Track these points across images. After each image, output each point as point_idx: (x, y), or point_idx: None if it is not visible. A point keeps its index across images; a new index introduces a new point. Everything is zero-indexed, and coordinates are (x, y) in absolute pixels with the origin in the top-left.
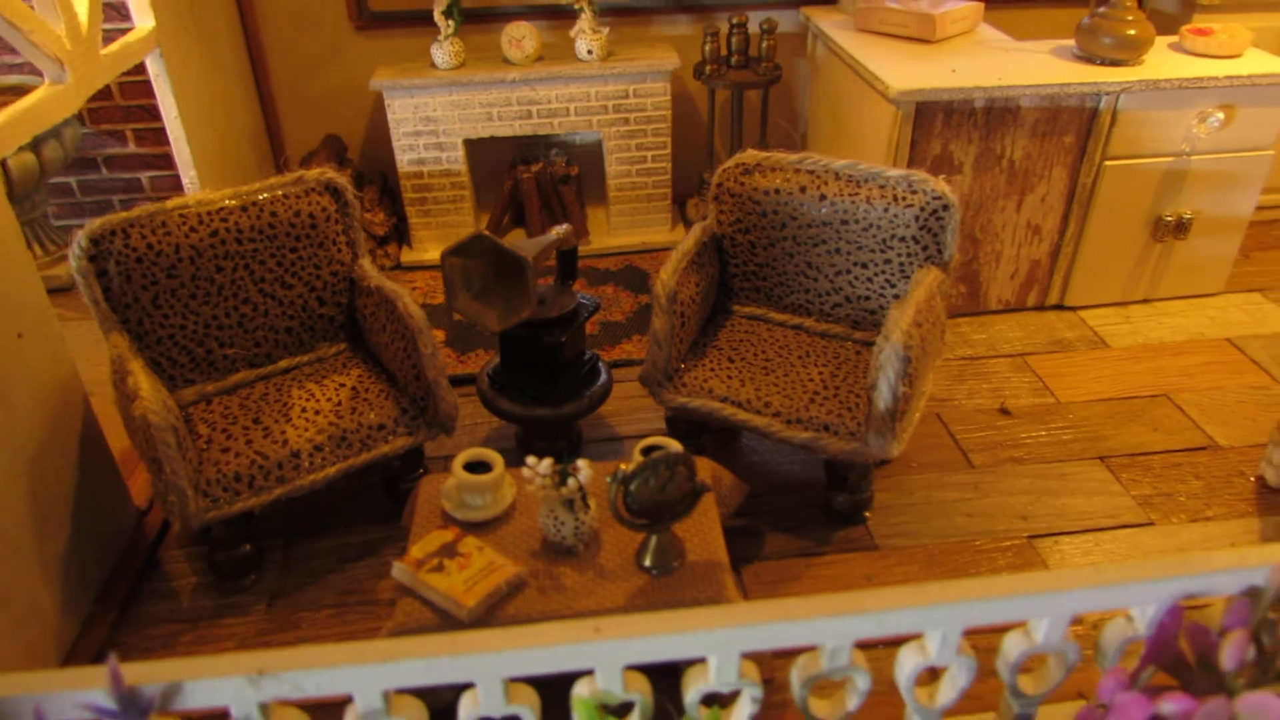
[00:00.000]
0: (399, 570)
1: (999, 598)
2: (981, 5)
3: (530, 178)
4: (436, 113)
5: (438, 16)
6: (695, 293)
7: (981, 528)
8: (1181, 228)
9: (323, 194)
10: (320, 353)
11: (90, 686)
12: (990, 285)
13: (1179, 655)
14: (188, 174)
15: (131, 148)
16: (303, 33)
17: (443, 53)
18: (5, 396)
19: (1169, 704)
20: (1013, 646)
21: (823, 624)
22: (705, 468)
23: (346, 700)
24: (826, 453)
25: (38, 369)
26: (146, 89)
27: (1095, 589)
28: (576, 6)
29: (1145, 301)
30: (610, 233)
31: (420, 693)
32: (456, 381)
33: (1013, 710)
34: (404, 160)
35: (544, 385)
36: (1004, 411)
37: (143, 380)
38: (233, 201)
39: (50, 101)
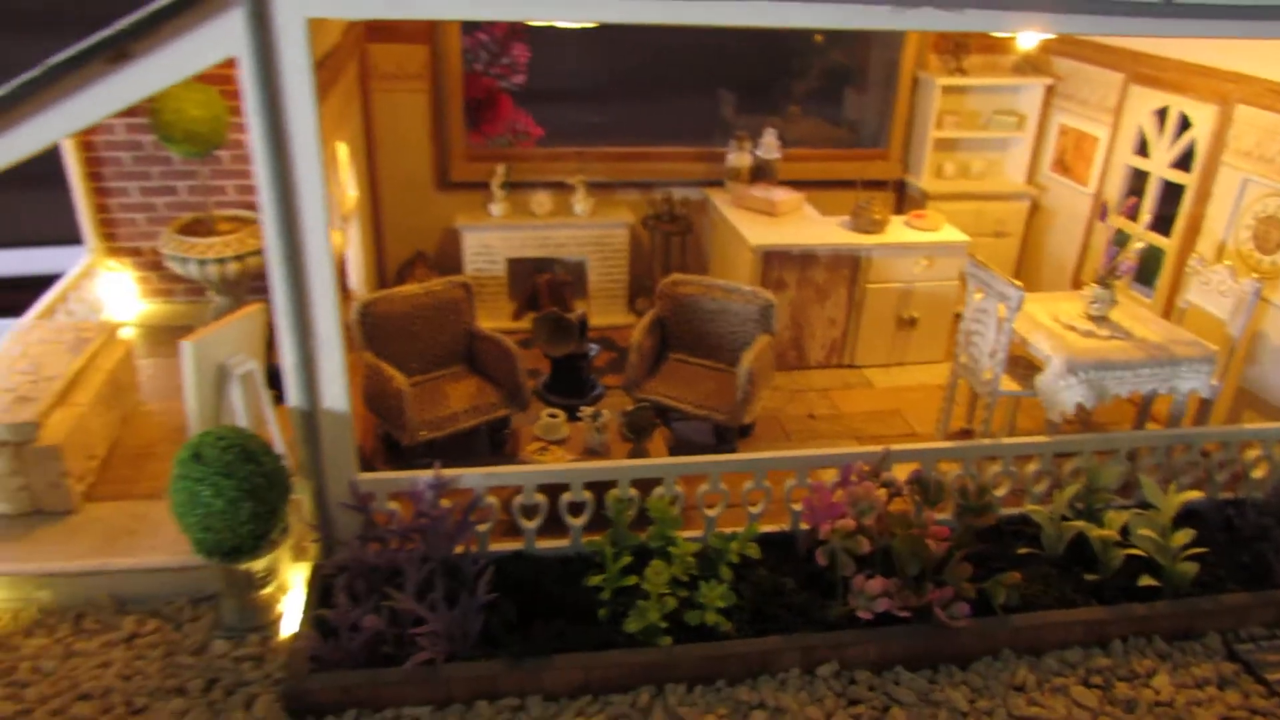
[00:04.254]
0: (524, 455)
1: (742, 459)
2: (803, 195)
3: (544, 282)
4: (491, 243)
5: (495, 188)
6: (649, 344)
7: None
8: (913, 322)
9: (459, 289)
10: (453, 369)
11: (427, 475)
12: (810, 352)
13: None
14: (356, 276)
15: None
16: (405, 192)
17: (497, 208)
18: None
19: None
20: (790, 485)
21: (709, 464)
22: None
23: (518, 490)
24: (713, 421)
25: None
26: None
27: (825, 455)
28: (574, 184)
29: (898, 364)
30: (591, 317)
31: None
32: None
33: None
34: (469, 269)
35: (572, 388)
36: (811, 417)
37: (394, 371)
38: (419, 290)
39: (342, 240)
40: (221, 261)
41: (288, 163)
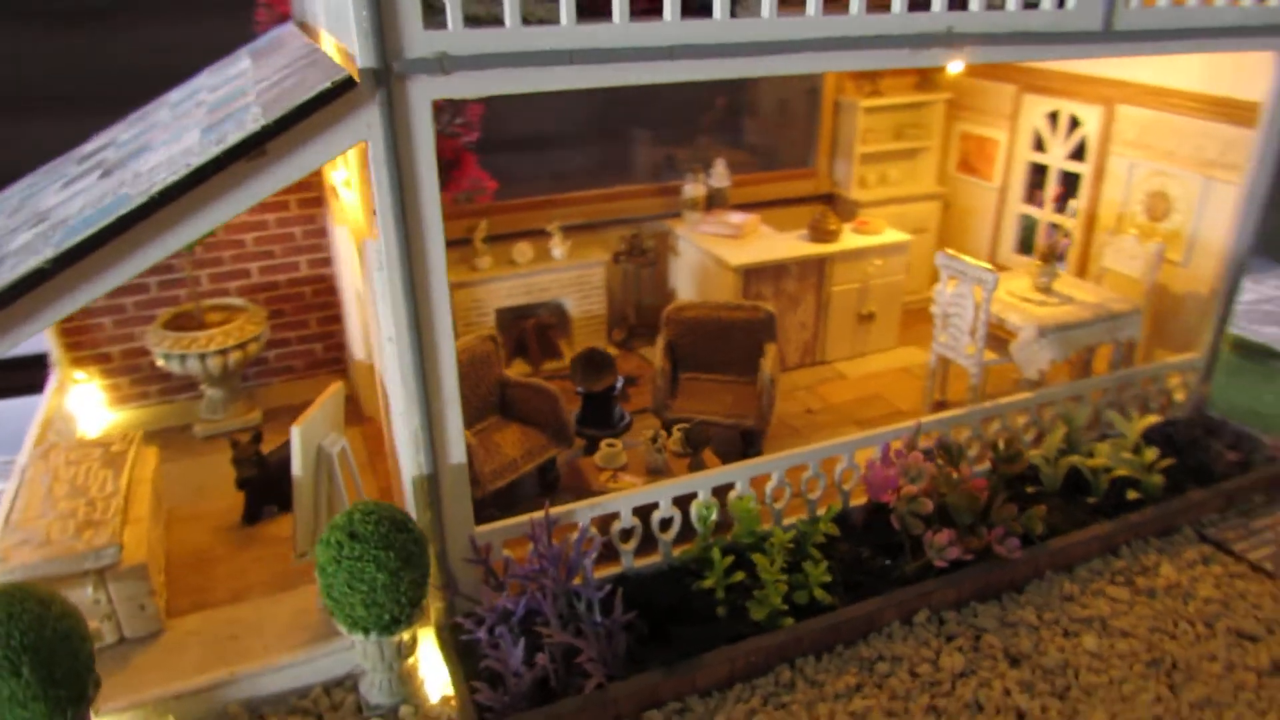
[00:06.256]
0: (599, 485)
1: (800, 452)
2: (758, 216)
3: (531, 327)
4: (480, 295)
5: (478, 243)
6: (668, 366)
7: None
8: (871, 317)
9: (489, 342)
10: (491, 420)
11: (538, 516)
12: (787, 355)
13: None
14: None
15: (313, 329)
16: None
17: (481, 261)
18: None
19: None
20: (840, 468)
21: (773, 463)
22: None
23: (615, 515)
24: (740, 428)
25: None
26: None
27: (868, 437)
28: (550, 230)
29: (862, 355)
30: (574, 351)
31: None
32: None
33: (842, 499)
34: (462, 323)
35: (604, 419)
36: (809, 411)
37: None
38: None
39: None
40: (223, 352)
41: (418, 234)
